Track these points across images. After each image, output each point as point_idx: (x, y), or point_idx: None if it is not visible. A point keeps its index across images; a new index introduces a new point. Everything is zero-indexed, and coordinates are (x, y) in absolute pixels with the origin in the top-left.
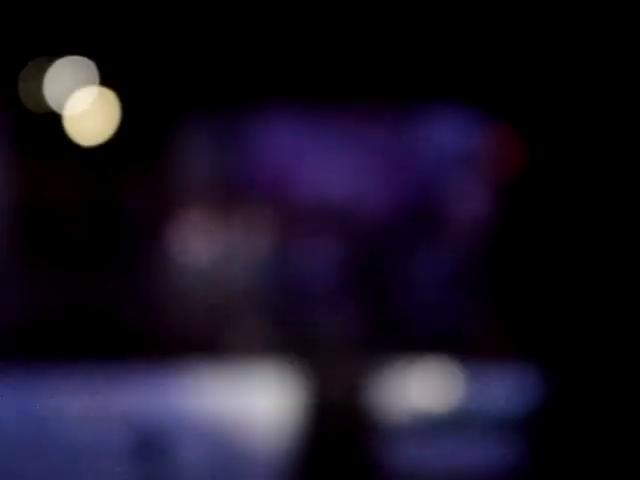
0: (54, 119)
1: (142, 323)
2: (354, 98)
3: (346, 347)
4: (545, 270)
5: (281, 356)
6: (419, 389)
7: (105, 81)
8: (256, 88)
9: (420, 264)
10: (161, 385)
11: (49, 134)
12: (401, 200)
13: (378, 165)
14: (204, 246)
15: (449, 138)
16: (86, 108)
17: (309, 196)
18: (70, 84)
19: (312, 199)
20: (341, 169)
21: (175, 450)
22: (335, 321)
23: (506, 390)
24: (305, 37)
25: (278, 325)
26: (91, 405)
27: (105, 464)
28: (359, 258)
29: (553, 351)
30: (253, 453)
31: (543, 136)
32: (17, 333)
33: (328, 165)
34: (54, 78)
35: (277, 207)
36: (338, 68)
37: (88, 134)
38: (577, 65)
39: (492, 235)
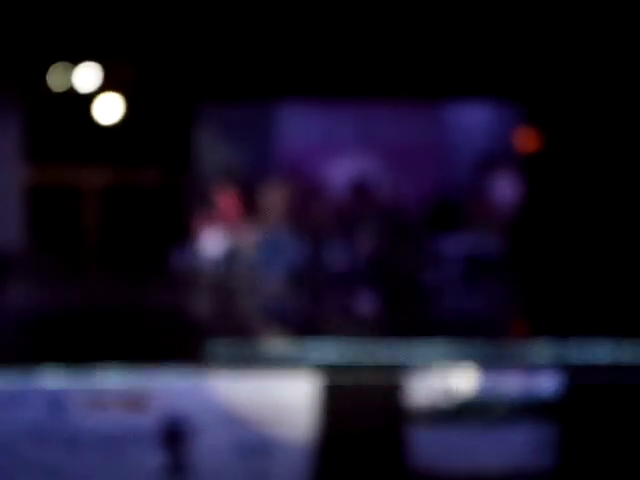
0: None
1: (170, 315)
2: (385, 94)
3: (374, 333)
4: (568, 256)
5: (311, 343)
6: (446, 377)
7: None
8: (301, 81)
9: (447, 250)
10: (190, 376)
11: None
12: (426, 191)
13: (407, 155)
14: (229, 235)
15: (474, 131)
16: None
17: (336, 186)
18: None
19: (338, 189)
20: (371, 159)
21: (202, 441)
22: (364, 308)
23: (531, 375)
24: (349, 39)
25: (307, 312)
26: (122, 395)
27: (135, 452)
28: (386, 247)
29: (576, 334)
30: (279, 444)
31: (560, 129)
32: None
33: (359, 156)
34: (82, 75)
35: (304, 196)
36: (373, 66)
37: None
38: (591, 67)
39: (515, 222)
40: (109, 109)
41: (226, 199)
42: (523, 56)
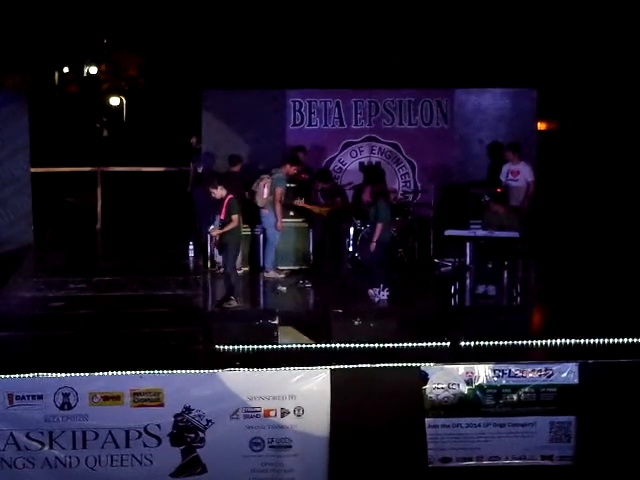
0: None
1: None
2: (398, 82)
3: (390, 322)
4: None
5: (329, 339)
6: (464, 367)
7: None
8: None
9: (463, 235)
10: (204, 371)
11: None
12: (440, 177)
13: (422, 141)
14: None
15: (490, 117)
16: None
17: (347, 173)
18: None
19: (350, 175)
20: (384, 146)
21: (217, 435)
22: (379, 295)
23: (549, 366)
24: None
25: (322, 301)
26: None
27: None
28: (401, 235)
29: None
30: (295, 436)
31: (577, 116)
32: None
33: (372, 142)
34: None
35: (316, 183)
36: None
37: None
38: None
39: (533, 207)
40: (119, 101)
41: (237, 186)
42: (538, 46)
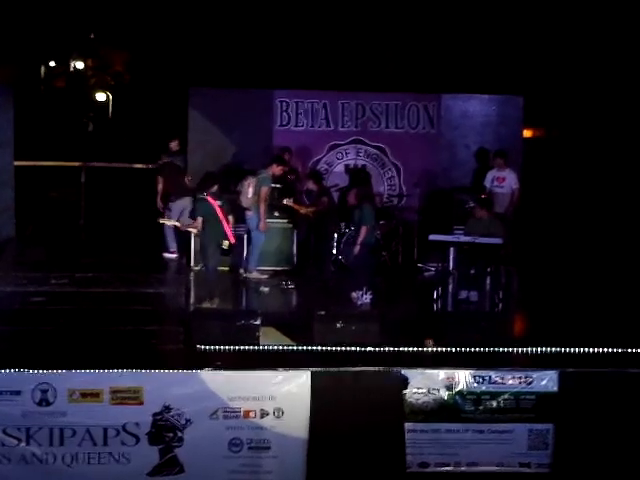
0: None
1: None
2: (385, 87)
3: (380, 332)
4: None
5: (312, 339)
6: (444, 372)
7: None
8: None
9: (446, 239)
10: (183, 370)
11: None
12: (425, 181)
13: (407, 145)
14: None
15: (476, 123)
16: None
17: (333, 175)
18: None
19: (335, 177)
20: (369, 149)
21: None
22: (362, 299)
23: (528, 372)
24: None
25: (307, 302)
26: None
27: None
28: (385, 238)
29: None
30: (274, 438)
31: (562, 122)
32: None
33: (358, 144)
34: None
35: (301, 184)
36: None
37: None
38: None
39: (516, 212)
40: (105, 97)
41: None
42: (525, 54)
